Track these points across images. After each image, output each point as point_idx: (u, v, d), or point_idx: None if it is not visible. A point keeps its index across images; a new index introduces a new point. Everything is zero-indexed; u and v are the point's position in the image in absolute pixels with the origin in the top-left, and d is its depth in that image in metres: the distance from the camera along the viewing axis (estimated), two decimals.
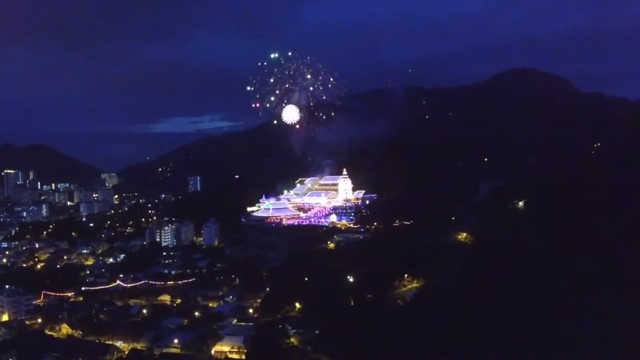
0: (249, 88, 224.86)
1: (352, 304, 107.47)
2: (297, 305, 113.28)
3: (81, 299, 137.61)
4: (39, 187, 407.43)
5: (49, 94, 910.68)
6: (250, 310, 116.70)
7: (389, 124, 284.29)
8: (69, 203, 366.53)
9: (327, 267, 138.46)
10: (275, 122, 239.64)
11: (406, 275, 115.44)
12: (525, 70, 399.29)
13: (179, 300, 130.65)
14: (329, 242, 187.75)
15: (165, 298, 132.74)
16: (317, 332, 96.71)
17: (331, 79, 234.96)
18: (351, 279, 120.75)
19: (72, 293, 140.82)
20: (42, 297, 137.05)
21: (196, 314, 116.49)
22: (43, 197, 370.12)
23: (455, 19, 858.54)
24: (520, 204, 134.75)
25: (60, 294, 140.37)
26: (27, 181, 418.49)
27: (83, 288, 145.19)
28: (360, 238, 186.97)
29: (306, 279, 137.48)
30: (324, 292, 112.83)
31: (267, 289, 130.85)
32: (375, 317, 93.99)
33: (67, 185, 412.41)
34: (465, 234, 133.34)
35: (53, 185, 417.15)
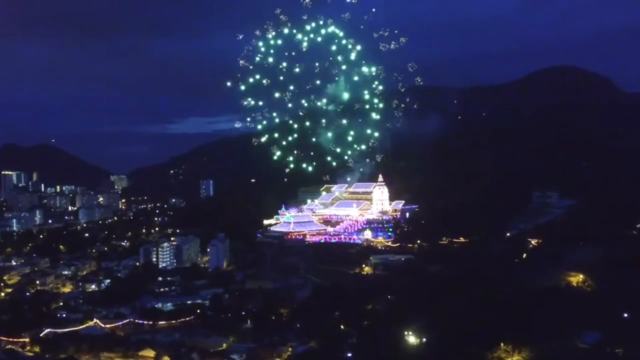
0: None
1: None
2: None
3: (37, 349, 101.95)
4: (42, 189, 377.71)
5: (58, 91, 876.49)
6: None
7: (428, 124, 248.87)
8: (70, 208, 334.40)
9: (373, 312, 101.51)
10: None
11: (502, 343, 75.56)
12: (564, 67, 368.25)
13: (166, 359, 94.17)
14: (363, 265, 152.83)
15: (149, 354, 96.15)
16: None
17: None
18: (412, 338, 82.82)
19: (28, 339, 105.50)
20: None
21: None
22: (44, 201, 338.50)
23: (490, 17, 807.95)
24: None
25: (14, 339, 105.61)
26: (30, 183, 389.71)
27: (46, 330, 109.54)
28: (402, 260, 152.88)
29: (342, 327, 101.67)
30: None
31: (289, 344, 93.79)
32: None
33: (73, 187, 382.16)
34: (582, 276, 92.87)
35: (57, 187, 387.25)
